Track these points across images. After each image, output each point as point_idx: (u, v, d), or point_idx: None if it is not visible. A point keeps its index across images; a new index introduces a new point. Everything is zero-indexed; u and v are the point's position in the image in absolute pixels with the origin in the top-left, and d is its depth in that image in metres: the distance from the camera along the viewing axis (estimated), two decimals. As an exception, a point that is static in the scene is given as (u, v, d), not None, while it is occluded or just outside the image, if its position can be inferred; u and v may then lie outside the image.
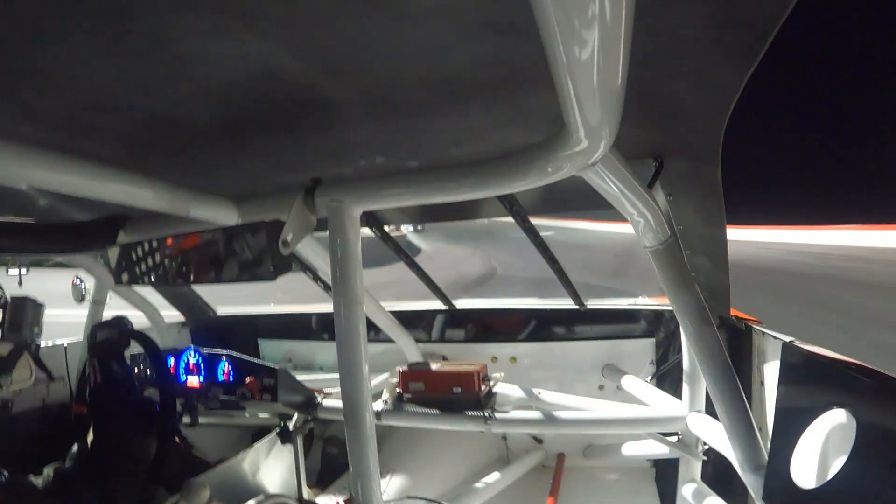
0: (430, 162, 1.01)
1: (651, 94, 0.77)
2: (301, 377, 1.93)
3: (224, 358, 1.86)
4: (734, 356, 1.14)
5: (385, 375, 2.03)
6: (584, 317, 2.12)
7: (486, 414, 1.54)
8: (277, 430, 1.76)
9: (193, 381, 1.88)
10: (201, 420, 1.81)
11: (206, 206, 1.16)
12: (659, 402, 1.64)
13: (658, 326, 2.02)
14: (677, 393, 1.54)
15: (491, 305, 2.35)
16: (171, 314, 2.43)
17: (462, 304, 2.31)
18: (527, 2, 0.38)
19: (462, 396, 1.57)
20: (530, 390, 1.82)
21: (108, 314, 2.05)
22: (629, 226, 1.04)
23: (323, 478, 2.06)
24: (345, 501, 1.77)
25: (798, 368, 0.99)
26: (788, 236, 14.82)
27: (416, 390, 1.64)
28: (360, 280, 1.04)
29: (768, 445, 0.99)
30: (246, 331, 2.50)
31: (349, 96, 0.71)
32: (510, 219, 1.68)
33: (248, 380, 1.78)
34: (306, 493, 1.79)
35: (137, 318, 2.16)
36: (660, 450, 1.71)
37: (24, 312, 1.73)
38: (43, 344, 1.81)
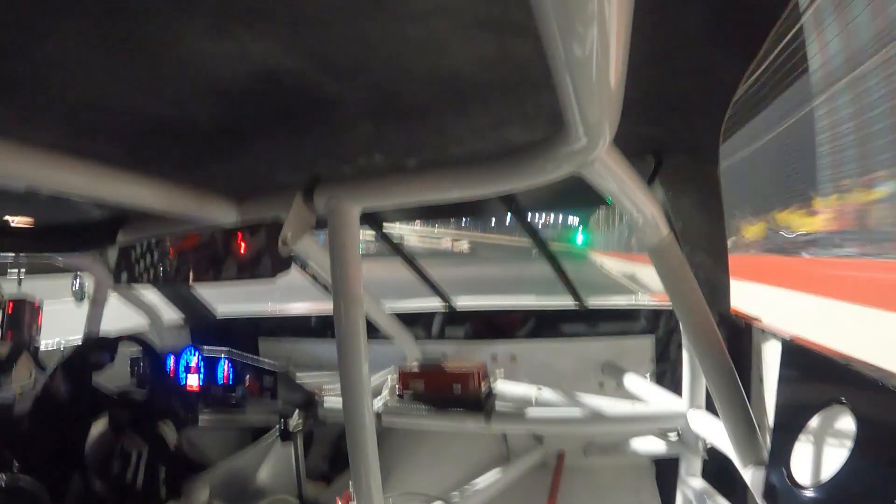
0: (429, 161, 1.01)
1: (651, 91, 0.77)
2: (301, 377, 1.93)
3: (224, 358, 1.86)
4: (734, 353, 1.14)
5: (385, 374, 2.03)
6: (584, 315, 2.12)
7: (486, 413, 1.54)
8: (278, 429, 1.76)
9: (193, 381, 1.88)
10: (201, 420, 1.81)
11: (206, 206, 1.15)
12: (659, 400, 1.64)
13: (658, 324, 2.02)
14: (677, 391, 1.55)
15: (491, 304, 2.35)
16: (172, 314, 2.43)
17: (462, 303, 2.31)
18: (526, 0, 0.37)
19: (462, 395, 1.58)
20: (530, 389, 1.82)
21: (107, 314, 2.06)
22: None
23: (323, 477, 2.06)
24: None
25: (798, 365, 0.99)
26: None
27: (416, 389, 1.64)
28: (360, 279, 1.03)
29: (769, 443, 0.99)
30: (246, 331, 2.50)
31: (349, 95, 0.71)
32: None
33: (248, 380, 1.78)
34: (306, 492, 1.79)
35: (138, 319, 2.17)
36: (660, 448, 1.71)
37: (23, 313, 1.73)
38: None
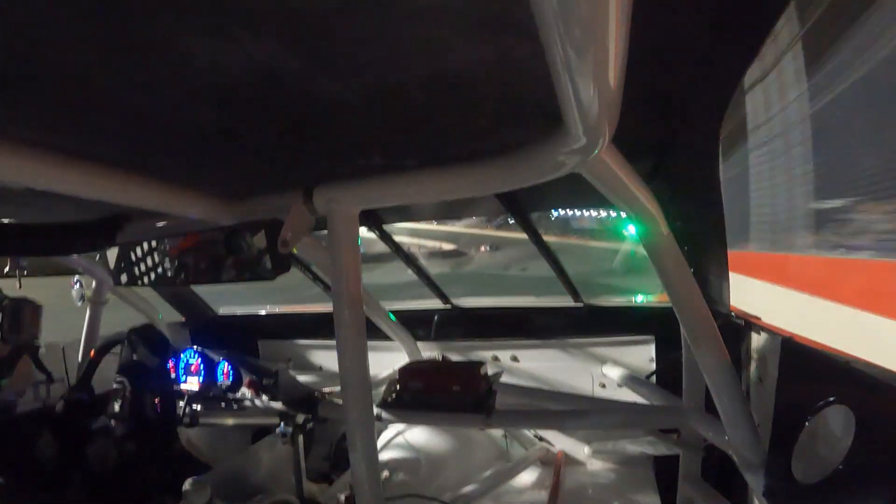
0: (428, 160, 1.01)
1: (650, 90, 0.77)
2: (301, 377, 1.93)
3: (224, 358, 1.86)
4: (734, 352, 1.14)
5: (385, 374, 2.03)
6: (585, 315, 2.13)
7: (487, 412, 1.54)
8: (278, 430, 1.76)
9: (193, 381, 1.88)
10: (201, 421, 1.82)
11: (206, 206, 1.15)
12: (659, 400, 1.64)
13: (658, 324, 2.02)
14: (677, 390, 1.55)
15: (491, 304, 2.36)
16: (172, 314, 2.43)
17: (462, 302, 2.31)
18: None
19: (462, 395, 1.57)
20: (531, 388, 1.83)
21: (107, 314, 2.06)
22: None
23: (324, 477, 2.06)
24: (345, 499, 1.77)
25: (797, 364, 0.99)
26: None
27: (416, 389, 1.64)
28: (360, 279, 1.04)
29: (768, 441, 0.99)
30: (246, 331, 2.50)
31: (347, 95, 0.71)
32: None
33: (248, 380, 1.78)
34: (307, 492, 1.79)
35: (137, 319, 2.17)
36: (660, 447, 1.72)
37: (24, 313, 1.73)
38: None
